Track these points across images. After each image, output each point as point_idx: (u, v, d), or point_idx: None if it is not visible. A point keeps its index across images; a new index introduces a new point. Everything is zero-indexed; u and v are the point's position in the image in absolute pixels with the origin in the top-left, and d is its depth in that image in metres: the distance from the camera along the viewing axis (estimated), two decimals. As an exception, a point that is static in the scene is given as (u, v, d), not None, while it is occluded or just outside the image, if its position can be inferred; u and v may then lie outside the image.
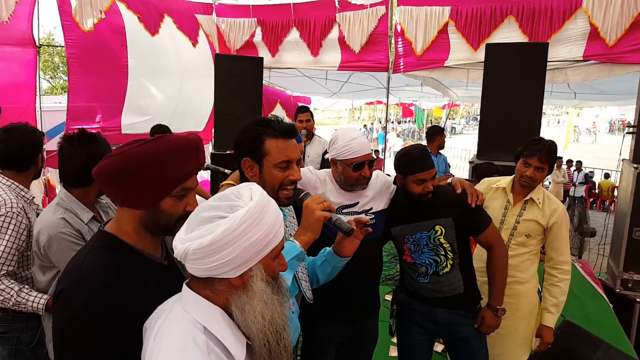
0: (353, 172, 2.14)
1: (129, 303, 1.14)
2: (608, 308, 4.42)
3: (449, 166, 5.87)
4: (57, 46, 5.47)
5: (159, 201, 1.21)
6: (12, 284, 2.08)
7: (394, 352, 3.64)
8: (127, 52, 5.81)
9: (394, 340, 3.78)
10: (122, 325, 1.12)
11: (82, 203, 2.01)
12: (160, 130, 4.35)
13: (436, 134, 5.86)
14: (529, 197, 2.69)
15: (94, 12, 5.36)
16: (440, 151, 5.79)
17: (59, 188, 5.22)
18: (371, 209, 2.28)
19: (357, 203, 2.25)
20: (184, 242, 1.00)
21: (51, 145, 5.52)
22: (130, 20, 5.80)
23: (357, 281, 2.22)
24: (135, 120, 6.04)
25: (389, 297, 4.57)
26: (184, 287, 1.08)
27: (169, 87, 6.49)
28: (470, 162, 5.04)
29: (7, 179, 2.22)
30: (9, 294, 2.05)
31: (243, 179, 1.64)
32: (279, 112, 9.57)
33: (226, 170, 2.77)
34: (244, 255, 0.99)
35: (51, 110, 6.32)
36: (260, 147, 1.54)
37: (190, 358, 0.95)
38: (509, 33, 6.20)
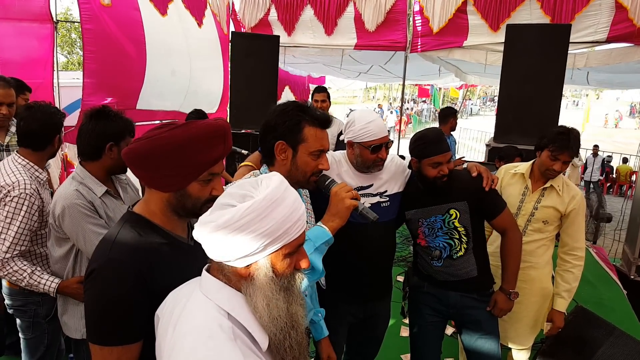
0: (371, 154, 2.14)
1: (159, 282, 1.16)
2: (622, 294, 4.40)
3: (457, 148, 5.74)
4: (75, 22, 5.44)
5: (186, 185, 1.23)
6: (24, 265, 2.12)
7: (405, 332, 3.68)
8: (144, 30, 5.77)
9: (406, 321, 3.82)
10: (152, 304, 1.15)
11: (96, 177, 2.04)
12: (197, 115, 4.37)
13: (449, 115, 5.78)
14: (548, 184, 2.66)
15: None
16: (452, 133, 5.67)
17: (76, 164, 5.28)
18: (385, 191, 2.27)
19: (372, 185, 2.25)
20: (199, 225, 1.01)
21: (68, 120, 5.56)
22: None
23: (369, 263, 2.24)
24: (151, 98, 6.05)
25: (400, 279, 4.60)
26: (204, 272, 1.08)
27: (181, 67, 6.46)
28: (487, 145, 4.99)
29: (23, 158, 2.24)
30: (21, 275, 2.09)
31: (267, 160, 1.64)
32: (288, 96, 9.52)
33: (243, 151, 2.77)
34: (246, 247, 0.97)
35: (68, 86, 6.35)
36: (299, 133, 1.56)
37: (218, 345, 0.94)
38: (530, 14, 6.03)
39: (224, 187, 1.28)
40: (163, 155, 1.18)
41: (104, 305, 1.14)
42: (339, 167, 2.25)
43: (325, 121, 1.60)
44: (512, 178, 2.82)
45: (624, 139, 22.63)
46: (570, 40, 4.70)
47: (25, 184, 2.15)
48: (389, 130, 15.25)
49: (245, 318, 1.01)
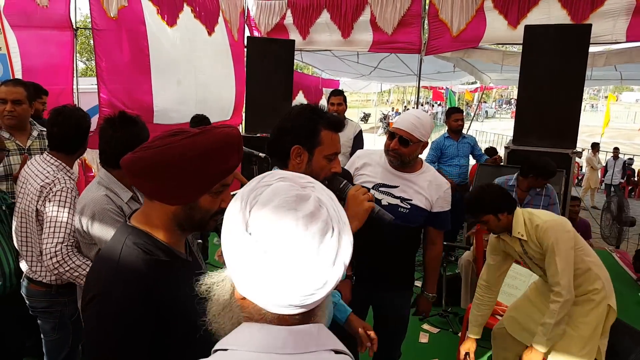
0: (387, 139, 2.23)
1: (164, 302, 1.11)
2: (646, 300, 4.29)
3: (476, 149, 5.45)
4: (92, 28, 5.56)
5: (198, 197, 1.17)
6: (86, 259, 2.09)
7: (424, 338, 3.64)
8: (148, 44, 5.86)
9: (425, 327, 3.79)
10: (160, 323, 1.10)
11: (122, 183, 2.04)
12: (200, 119, 4.39)
13: (447, 115, 5.69)
14: (514, 236, 2.49)
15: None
16: (464, 133, 5.44)
17: (95, 167, 5.34)
18: (410, 199, 2.26)
19: (398, 187, 2.27)
20: None
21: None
22: (149, 11, 5.80)
23: (383, 257, 2.31)
24: (164, 111, 6.11)
25: (418, 283, 4.54)
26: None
27: (187, 77, 6.50)
28: (506, 148, 4.92)
29: (56, 159, 2.27)
30: (84, 270, 2.05)
31: (280, 162, 1.62)
32: (301, 100, 9.54)
33: (260, 154, 2.75)
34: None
35: (88, 91, 6.44)
36: (316, 136, 1.56)
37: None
38: (549, 10, 5.92)
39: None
40: (176, 165, 1.11)
41: (112, 325, 1.07)
42: (377, 159, 2.34)
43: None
44: (501, 243, 2.64)
45: (644, 141, 22.35)
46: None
47: (65, 179, 2.19)
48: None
49: None
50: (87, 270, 2.04)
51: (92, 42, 5.65)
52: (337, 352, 0.77)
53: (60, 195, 2.15)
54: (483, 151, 5.75)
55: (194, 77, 6.57)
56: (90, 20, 5.34)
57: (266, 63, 5.99)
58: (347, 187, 1.60)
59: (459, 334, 3.65)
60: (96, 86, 5.57)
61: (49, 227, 2.10)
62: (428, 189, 2.29)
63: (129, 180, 1.20)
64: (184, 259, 1.27)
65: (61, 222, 2.11)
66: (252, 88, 6.14)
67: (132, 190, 2.08)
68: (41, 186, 2.17)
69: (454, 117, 5.36)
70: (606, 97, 23.22)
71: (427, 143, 2.32)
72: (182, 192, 1.15)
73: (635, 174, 12.34)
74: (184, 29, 6.39)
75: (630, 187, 11.52)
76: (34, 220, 2.22)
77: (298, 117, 1.58)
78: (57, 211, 2.12)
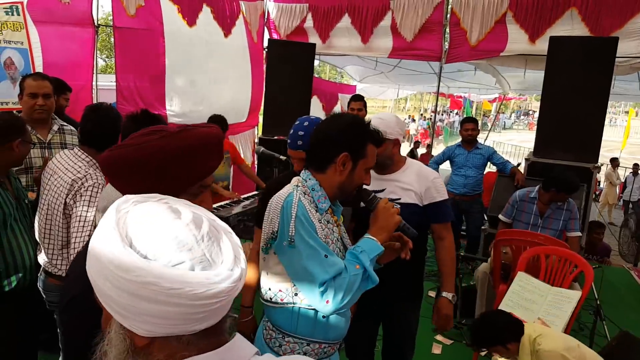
0: None
1: None
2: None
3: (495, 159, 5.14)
4: (109, 26, 5.67)
5: None
6: None
7: (437, 349, 3.59)
8: (164, 43, 5.92)
9: (438, 338, 3.74)
10: None
11: None
12: (217, 120, 4.40)
13: (461, 124, 5.56)
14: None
15: (137, -2, 5.51)
16: (479, 144, 5.25)
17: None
18: (398, 199, 2.23)
19: (384, 190, 2.25)
20: None
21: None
22: (169, 10, 5.85)
23: (387, 267, 2.17)
24: (178, 111, 6.15)
25: (432, 294, 4.49)
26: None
27: (201, 77, 6.53)
28: (526, 159, 4.86)
29: (87, 155, 2.27)
30: None
31: (318, 167, 1.61)
32: (316, 105, 9.54)
33: (282, 157, 2.74)
34: None
35: (107, 88, 6.51)
36: (364, 149, 1.60)
37: None
38: (571, 25, 5.87)
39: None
40: (150, 164, 1.06)
41: (87, 329, 0.91)
42: None
43: (381, 140, 1.68)
44: None
45: (664, 157, 22.03)
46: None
47: (96, 175, 2.19)
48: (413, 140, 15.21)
49: None
50: None
51: (112, 39, 5.74)
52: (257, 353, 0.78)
53: (92, 191, 2.15)
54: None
55: (208, 78, 6.59)
56: (111, 17, 5.41)
57: (286, 66, 6.01)
58: (375, 200, 1.66)
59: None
60: (115, 83, 5.64)
61: (79, 221, 2.11)
62: (416, 182, 2.26)
63: (112, 181, 1.16)
64: None
65: (92, 218, 2.12)
66: (270, 90, 6.16)
67: None
68: (72, 180, 2.17)
69: (465, 126, 5.28)
70: (626, 112, 22.92)
71: (399, 140, 2.28)
72: (157, 193, 1.11)
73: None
74: (202, 29, 6.44)
75: (649, 204, 11.33)
76: (61, 213, 2.21)
77: (350, 128, 1.60)
78: (87, 206, 2.13)
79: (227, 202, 3.94)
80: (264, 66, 8.09)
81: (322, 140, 1.62)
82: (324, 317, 1.57)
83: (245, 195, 4.17)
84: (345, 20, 7.50)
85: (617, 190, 10.96)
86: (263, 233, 1.59)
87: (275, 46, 6.19)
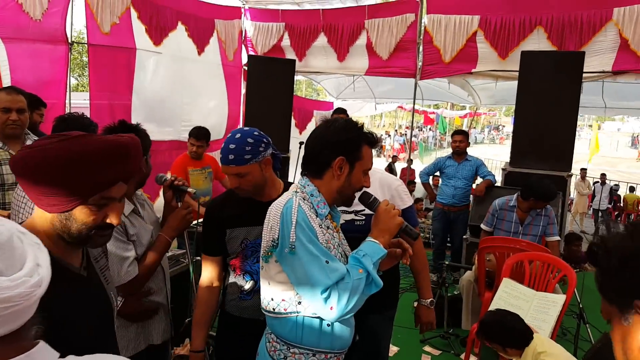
0: None
1: (53, 314, 0.96)
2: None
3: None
4: (85, 43, 5.62)
5: (70, 207, 1.08)
6: None
7: None
8: (135, 62, 5.95)
9: (427, 349, 3.77)
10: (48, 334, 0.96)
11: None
12: (197, 131, 4.38)
13: (452, 136, 5.76)
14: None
15: (111, 16, 5.52)
16: (469, 155, 5.35)
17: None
18: (363, 210, 2.12)
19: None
20: None
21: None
22: (138, 30, 5.88)
23: None
24: (147, 130, 6.11)
25: (418, 304, 4.54)
26: None
27: (173, 97, 6.54)
28: (503, 170, 5.00)
29: None
30: None
31: (315, 173, 1.60)
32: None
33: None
34: None
35: (80, 107, 6.45)
36: (359, 151, 1.60)
37: None
38: (538, 44, 6.13)
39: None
40: (50, 168, 1.03)
41: None
42: None
43: (376, 142, 1.67)
44: None
45: (626, 168, 22.88)
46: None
47: None
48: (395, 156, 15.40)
49: None
50: None
51: (84, 58, 5.71)
52: None
53: None
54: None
55: (180, 97, 6.58)
56: (82, 35, 5.41)
57: (266, 81, 6.06)
58: (376, 202, 1.65)
59: (461, 356, 3.63)
60: (88, 101, 5.60)
61: None
62: (379, 191, 2.19)
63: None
64: (76, 272, 1.17)
65: None
66: (251, 106, 6.19)
67: (132, 201, 1.99)
68: None
69: (454, 138, 5.44)
70: (590, 125, 23.84)
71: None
72: (53, 199, 1.06)
73: (621, 200, 12.59)
74: (175, 47, 6.47)
75: (616, 213, 11.73)
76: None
77: (343, 131, 1.59)
78: None
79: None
80: (242, 83, 8.18)
81: (317, 146, 1.61)
82: (328, 325, 1.54)
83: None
84: (322, 39, 7.63)
85: (587, 200, 11.32)
86: (263, 241, 1.55)
87: (255, 62, 6.24)
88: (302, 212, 1.49)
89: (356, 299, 1.45)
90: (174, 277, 2.41)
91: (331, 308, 1.44)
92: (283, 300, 1.55)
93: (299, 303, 1.52)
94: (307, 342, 1.54)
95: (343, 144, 1.58)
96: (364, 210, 2.11)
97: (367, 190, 2.01)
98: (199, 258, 2.24)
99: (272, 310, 1.58)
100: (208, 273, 1.98)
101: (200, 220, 2.05)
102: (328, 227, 1.58)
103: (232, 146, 1.79)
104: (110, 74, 5.71)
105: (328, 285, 1.43)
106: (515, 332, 2.44)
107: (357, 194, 1.70)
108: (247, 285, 1.93)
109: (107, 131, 1.98)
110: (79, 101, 6.93)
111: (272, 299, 1.58)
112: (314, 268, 1.44)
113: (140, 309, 1.98)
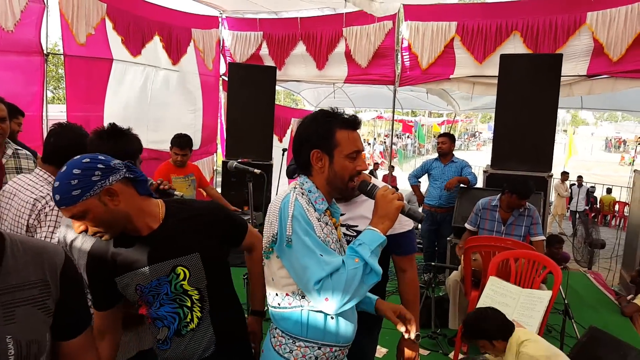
0: None
1: None
2: (626, 318, 4.39)
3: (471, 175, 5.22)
4: (61, 54, 5.54)
5: None
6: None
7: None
8: (109, 73, 5.89)
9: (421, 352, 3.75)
10: None
11: None
12: (178, 139, 4.33)
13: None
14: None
15: (86, 26, 5.46)
16: (455, 157, 5.37)
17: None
18: (357, 226, 2.02)
19: (343, 214, 2.00)
20: None
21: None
22: (114, 41, 5.83)
23: None
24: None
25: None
26: None
27: (143, 108, 6.48)
28: (484, 172, 5.05)
29: (49, 174, 2.16)
30: None
31: (305, 171, 1.60)
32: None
33: (256, 170, 2.71)
34: None
35: (57, 119, 6.32)
36: (332, 139, 1.54)
37: None
38: (514, 48, 6.25)
39: None
40: None
41: None
42: None
43: (355, 121, 1.59)
44: None
45: (601, 171, 23.45)
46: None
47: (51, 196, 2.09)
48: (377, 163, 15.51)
49: None
50: None
51: (59, 70, 5.63)
52: None
53: (59, 210, 2.06)
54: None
55: (151, 108, 6.50)
56: (58, 47, 5.34)
57: (247, 89, 6.05)
58: (374, 188, 1.60)
59: (450, 355, 3.63)
60: (64, 113, 5.50)
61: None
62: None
63: None
64: None
65: (57, 239, 2.02)
66: (232, 114, 6.16)
67: None
68: (34, 199, 2.06)
69: (438, 140, 5.51)
70: (564, 130, 24.43)
71: None
72: None
73: (598, 202, 12.86)
74: (150, 58, 6.42)
75: (593, 214, 11.97)
76: (23, 234, 2.11)
77: (312, 123, 1.57)
78: (54, 227, 2.04)
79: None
80: (221, 92, 8.15)
81: (296, 145, 1.60)
82: (332, 318, 1.53)
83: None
84: (300, 48, 7.65)
85: (565, 202, 11.53)
86: (264, 237, 1.55)
87: (236, 70, 6.23)
88: (299, 206, 1.48)
89: (353, 289, 1.42)
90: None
91: (326, 299, 1.41)
92: (287, 295, 1.53)
93: (303, 297, 1.51)
94: (312, 335, 1.53)
95: (314, 136, 1.55)
96: (357, 226, 2.02)
97: (362, 206, 1.94)
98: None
99: (277, 305, 1.57)
100: (98, 326, 1.61)
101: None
102: (327, 223, 1.56)
103: (56, 184, 1.43)
104: (86, 85, 5.65)
105: (322, 277, 1.41)
106: (498, 321, 2.52)
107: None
108: (160, 334, 1.67)
109: (96, 135, 1.95)
110: (55, 113, 6.80)
111: (277, 294, 1.57)
112: (309, 260, 1.42)
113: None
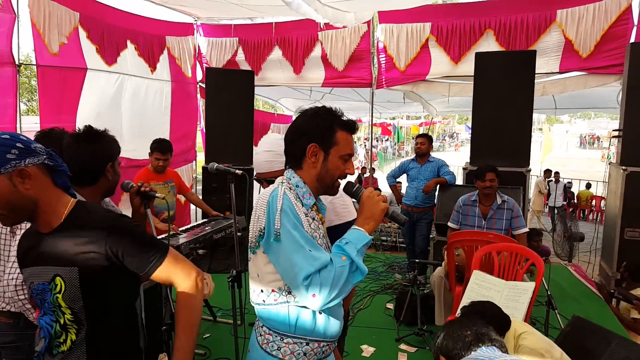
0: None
1: None
2: (607, 308, 4.46)
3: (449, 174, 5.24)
4: (34, 64, 5.41)
5: None
6: None
7: (402, 358, 3.59)
8: (83, 83, 5.78)
9: (403, 347, 3.75)
10: None
11: (91, 202, 1.92)
12: (158, 144, 4.27)
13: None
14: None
15: (59, 36, 5.37)
16: (431, 157, 5.36)
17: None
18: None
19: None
20: None
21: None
22: (88, 50, 5.73)
23: None
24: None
25: (390, 305, 4.55)
26: None
27: (118, 117, 6.38)
28: (463, 169, 5.10)
29: None
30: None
31: (295, 164, 1.60)
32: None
33: (237, 171, 2.67)
34: None
35: (31, 131, 6.18)
36: (332, 136, 1.56)
37: None
38: (488, 46, 6.36)
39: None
40: None
41: None
42: None
43: (354, 126, 1.62)
44: None
45: (577, 167, 23.99)
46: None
47: None
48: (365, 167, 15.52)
49: None
50: None
51: (32, 82, 5.51)
52: None
53: None
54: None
55: (121, 115, 6.39)
56: (31, 58, 5.22)
57: (225, 93, 6.02)
58: (360, 190, 1.62)
59: (437, 352, 3.63)
60: (39, 125, 5.37)
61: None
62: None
63: None
64: None
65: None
66: (210, 118, 6.12)
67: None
68: None
69: (416, 140, 5.54)
70: (540, 129, 24.88)
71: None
72: None
73: (575, 197, 13.11)
74: (126, 66, 6.34)
75: (571, 209, 12.19)
76: (8, 238, 2.05)
77: (315, 117, 1.58)
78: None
79: (174, 232, 3.78)
80: (200, 100, 8.07)
81: (292, 135, 1.60)
82: (320, 313, 1.53)
83: (196, 224, 4.03)
84: (277, 52, 7.66)
85: (543, 198, 11.72)
86: (250, 232, 1.53)
87: (213, 75, 6.19)
88: (288, 200, 1.48)
89: (339, 287, 1.42)
90: (146, 290, 2.32)
91: (313, 295, 1.41)
92: (273, 291, 1.52)
93: (289, 293, 1.50)
94: (300, 331, 1.52)
95: (314, 131, 1.55)
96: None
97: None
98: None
99: (262, 302, 1.55)
100: None
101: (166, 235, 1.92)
102: (314, 219, 1.57)
103: None
104: (59, 95, 5.52)
105: (310, 272, 1.40)
106: (497, 317, 2.43)
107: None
108: (38, 346, 1.49)
109: (73, 138, 1.93)
110: (29, 125, 6.66)
111: (262, 291, 1.55)
112: (297, 255, 1.42)
113: None
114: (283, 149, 1.88)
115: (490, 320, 2.36)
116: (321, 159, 1.56)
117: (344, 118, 1.61)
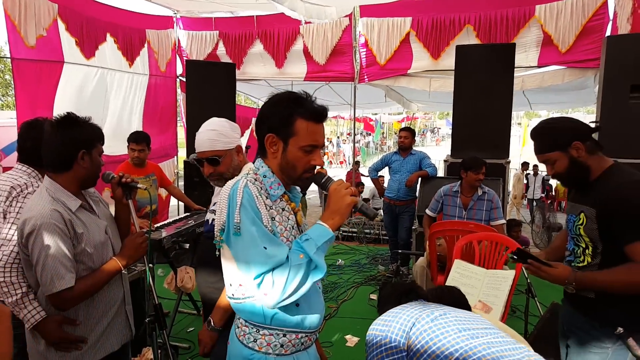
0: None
1: None
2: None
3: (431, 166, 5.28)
4: (7, 57, 5.27)
5: None
6: (23, 281, 1.88)
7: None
8: (60, 77, 5.68)
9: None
10: None
11: (68, 191, 1.88)
12: (136, 136, 4.21)
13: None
14: None
15: (37, 28, 5.26)
16: (413, 150, 5.42)
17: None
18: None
19: None
20: None
21: (8, 162, 5.26)
22: (67, 42, 5.63)
23: None
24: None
25: (374, 296, 4.59)
26: None
27: (100, 111, 6.31)
28: (445, 161, 5.16)
29: (27, 167, 2.17)
30: (14, 290, 1.85)
31: (261, 152, 1.56)
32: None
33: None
34: None
35: (7, 126, 6.06)
36: (290, 126, 1.46)
37: None
38: (468, 41, 6.42)
39: None
40: None
41: None
42: None
43: (320, 114, 1.49)
44: None
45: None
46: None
47: (38, 184, 2.12)
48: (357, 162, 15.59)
49: None
50: (18, 292, 1.85)
51: (7, 77, 5.39)
52: None
53: (17, 204, 2.03)
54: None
55: (101, 109, 6.32)
56: (4, 54, 5.09)
57: (206, 86, 5.96)
58: (328, 182, 1.53)
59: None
60: (14, 120, 5.27)
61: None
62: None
63: None
64: None
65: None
66: (192, 111, 6.06)
67: (81, 197, 1.93)
68: (11, 187, 2.05)
69: (400, 134, 5.57)
70: (518, 123, 25.28)
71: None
72: None
73: (553, 189, 13.36)
74: (105, 60, 6.25)
75: (549, 201, 12.43)
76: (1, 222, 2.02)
77: (273, 105, 1.50)
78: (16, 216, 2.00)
79: (157, 225, 3.74)
80: (180, 94, 7.99)
81: (257, 123, 1.54)
82: (297, 305, 1.48)
83: (179, 217, 4.01)
84: (258, 46, 7.61)
85: (523, 188, 11.94)
86: (216, 225, 1.48)
87: (194, 68, 6.12)
88: (248, 194, 1.42)
89: (295, 285, 1.37)
90: (130, 282, 2.29)
91: (265, 294, 1.37)
92: (240, 285, 1.48)
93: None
94: (276, 322, 1.48)
95: (271, 120, 1.48)
96: None
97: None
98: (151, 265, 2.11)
99: (231, 295, 1.52)
100: None
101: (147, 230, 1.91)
102: (283, 209, 1.51)
103: None
104: (36, 90, 5.40)
105: (262, 271, 1.37)
106: (455, 304, 2.45)
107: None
108: None
109: (49, 125, 1.89)
110: (5, 120, 6.53)
111: (231, 285, 1.52)
112: (252, 252, 1.38)
113: (58, 336, 1.83)
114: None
115: (448, 304, 2.42)
116: (280, 149, 1.49)
117: (311, 105, 1.48)
